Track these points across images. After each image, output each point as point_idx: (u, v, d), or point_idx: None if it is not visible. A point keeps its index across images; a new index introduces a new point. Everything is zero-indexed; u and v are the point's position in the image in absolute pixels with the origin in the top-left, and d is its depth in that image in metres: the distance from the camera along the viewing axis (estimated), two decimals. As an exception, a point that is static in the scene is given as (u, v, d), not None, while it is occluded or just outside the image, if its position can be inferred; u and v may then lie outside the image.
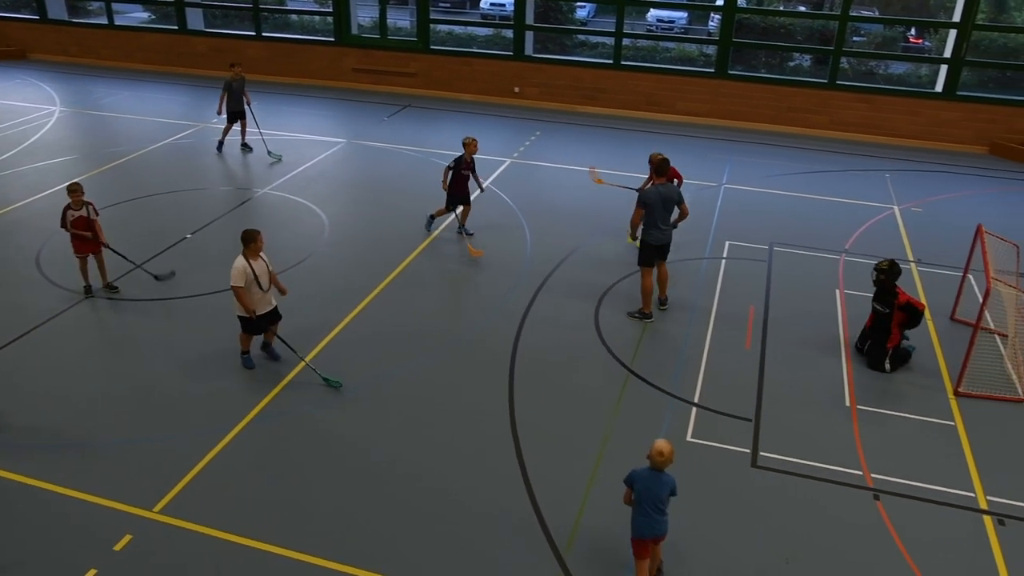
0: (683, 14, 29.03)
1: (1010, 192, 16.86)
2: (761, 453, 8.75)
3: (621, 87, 21.14)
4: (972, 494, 8.30)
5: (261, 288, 9.43)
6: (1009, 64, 20.18)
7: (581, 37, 23.91)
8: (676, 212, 11.06)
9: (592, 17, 30.61)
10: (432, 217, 13.68)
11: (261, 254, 9.49)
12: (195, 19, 24.08)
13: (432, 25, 22.27)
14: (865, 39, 23.60)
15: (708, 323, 11.27)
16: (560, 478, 8.29)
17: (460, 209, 13.43)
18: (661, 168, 10.92)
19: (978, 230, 10.82)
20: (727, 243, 13.64)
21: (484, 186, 14.28)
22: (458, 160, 13.04)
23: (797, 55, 22.07)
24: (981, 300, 9.86)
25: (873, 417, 9.43)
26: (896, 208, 15.60)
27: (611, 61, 21.12)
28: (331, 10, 22.52)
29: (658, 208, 10.87)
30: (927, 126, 19.58)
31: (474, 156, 13.09)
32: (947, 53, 19.21)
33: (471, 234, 13.52)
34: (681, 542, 7.55)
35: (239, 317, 9.60)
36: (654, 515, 6.54)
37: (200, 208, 14.48)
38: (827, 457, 8.72)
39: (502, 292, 11.86)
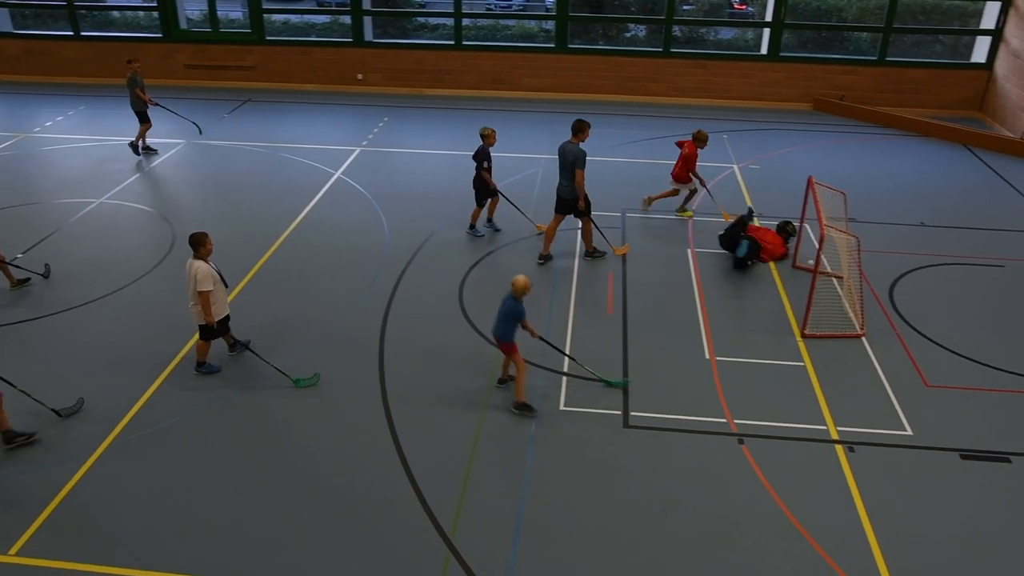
0: (520, -9, 29.35)
1: (834, 144, 18.06)
2: (632, 413, 9.08)
3: (465, 67, 21.19)
4: (824, 427, 8.93)
5: (226, 285, 9.42)
6: (823, 25, 21.56)
7: (421, 19, 23.74)
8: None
9: (430, -1, 30.43)
10: (473, 225, 13.23)
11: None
12: (1, 20, 22.28)
13: (266, 15, 21.54)
14: (694, 7, 24.57)
15: (570, 293, 11.54)
16: (439, 461, 8.32)
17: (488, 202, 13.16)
18: (573, 127, 11.74)
19: (809, 182, 11.54)
20: (582, 214, 13.97)
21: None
22: (486, 155, 12.62)
23: (633, 26, 22.75)
24: (817, 247, 10.55)
25: (732, 366, 9.96)
26: (736, 167, 16.42)
27: (453, 42, 21.12)
28: (156, 4, 21.38)
29: (559, 161, 11.94)
30: (757, 87, 20.68)
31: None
32: (768, 17, 20.32)
33: (498, 229, 13.30)
34: (564, 507, 7.76)
35: (200, 327, 9.30)
36: (506, 325, 8.74)
37: (32, 224, 13.49)
38: (693, 409, 9.15)
39: (364, 283, 11.71)
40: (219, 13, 21.64)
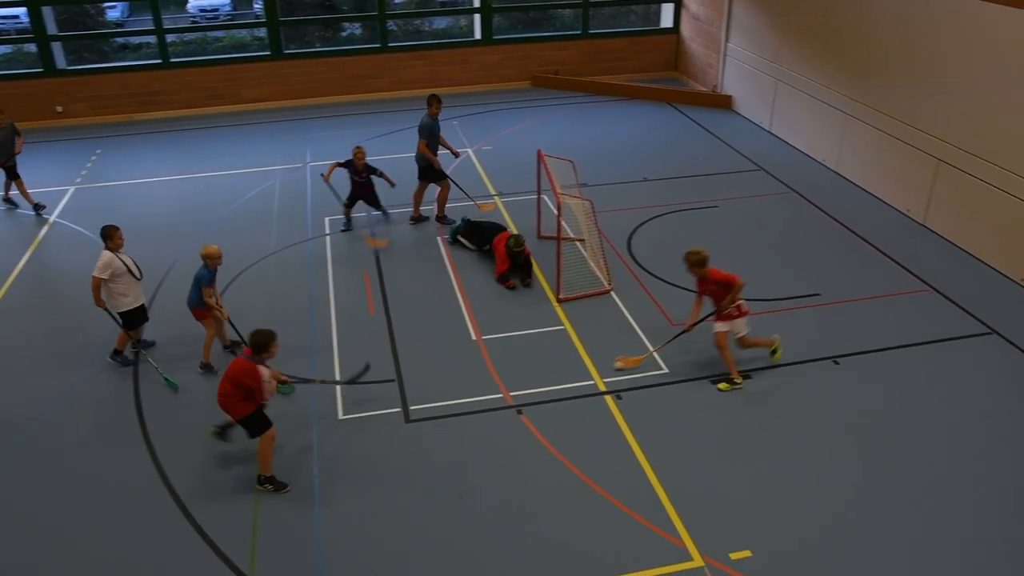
0: (226, 0, 28.04)
1: (554, 117, 19.08)
2: (411, 408, 9.13)
3: (177, 86, 19.97)
4: (592, 382, 9.50)
5: (136, 277, 9.57)
6: (528, 6, 22.63)
7: (120, 40, 22.06)
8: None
9: (127, 17, 28.30)
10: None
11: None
12: None
13: (-70, 53, 19.03)
14: None
15: (329, 302, 11.34)
16: (224, 506, 7.91)
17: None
18: (427, 101, 13.25)
19: (539, 155, 12.12)
20: (327, 219, 13.75)
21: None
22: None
23: (348, 25, 22.58)
24: (557, 214, 11.13)
25: (498, 342, 10.29)
26: (470, 150, 16.87)
27: (160, 60, 19.81)
28: None
29: None
30: (477, 71, 21.33)
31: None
32: (476, 3, 21.00)
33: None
34: (362, 517, 7.67)
35: (121, 315, 9.61)
36: (193, 291, 9.54)
37: None
38: (469, 391, 9.37)
39: (104, 335, 10.69)
40: None
